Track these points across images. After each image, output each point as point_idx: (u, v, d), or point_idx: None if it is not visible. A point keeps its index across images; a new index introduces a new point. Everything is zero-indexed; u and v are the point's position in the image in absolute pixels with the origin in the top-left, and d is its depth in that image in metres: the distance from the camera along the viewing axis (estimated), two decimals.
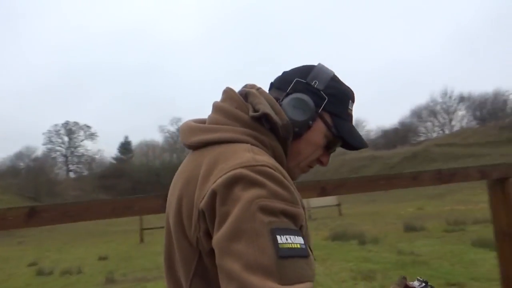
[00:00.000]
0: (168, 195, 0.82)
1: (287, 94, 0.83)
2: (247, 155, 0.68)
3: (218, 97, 0.86)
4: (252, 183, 0.63)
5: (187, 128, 0.81)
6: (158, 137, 61.50)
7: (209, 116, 0.82)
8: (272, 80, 0.90)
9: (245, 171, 0.64)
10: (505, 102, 40.00)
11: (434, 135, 44.99)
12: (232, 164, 0.66)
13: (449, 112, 44.14)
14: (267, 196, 0.62)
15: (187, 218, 0.69)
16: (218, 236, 0.61)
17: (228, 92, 0.83)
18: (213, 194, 0.64)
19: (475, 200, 14.29)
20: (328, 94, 0.83)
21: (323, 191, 1.76)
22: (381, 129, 49.96)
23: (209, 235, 0.66)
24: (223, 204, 0.62)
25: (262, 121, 0.77)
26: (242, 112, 0.78)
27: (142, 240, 13.18)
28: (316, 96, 0.83)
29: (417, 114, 45.20)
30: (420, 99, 79.00)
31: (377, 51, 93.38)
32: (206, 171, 0.69)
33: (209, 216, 0.65)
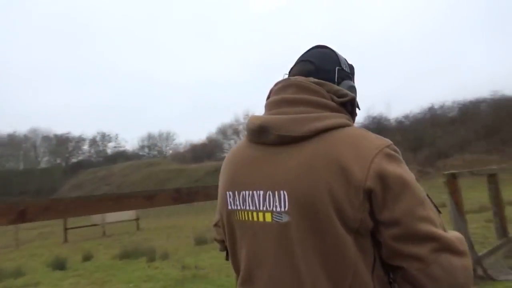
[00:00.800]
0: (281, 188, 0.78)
1: (339, 82, 0.93)
2: (374, 136, 0.80)
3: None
4: (400, 159, 0.78)
5: (289, 120, 0.81)
6: None
7: (291, 108, 0.84)
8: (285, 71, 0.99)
9: (390, 150, 0.77)
10: None
11: None
12: (376, 145, 0.77)
13: None
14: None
15: (348, 202, 0.73)
16: (402, 207, 0.73)
17: (302, 84, 0.86)
18: (377, 174, 0.73)
19: None
20: (352, 74, 0.99)
21: (21, 217, 1.37)
22: (189, 143, 51.53)
23: (372, 215, 0.75)
24: (392, 181, 0.73)
25: (347, 105, 0.88)
26: (326, 100, 0.85)
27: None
28: (350, 79, 0.98)
29: (222, 131, 48.45)
30: (226, 117, 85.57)
31: (193, 66, 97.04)
32: (351, 155, 0.75)
33: (378, 194, 0.73)
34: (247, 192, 0.83)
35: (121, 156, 47.59)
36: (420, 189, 0.76)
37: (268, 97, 0.92)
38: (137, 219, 15.53)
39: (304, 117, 0.81)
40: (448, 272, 0.72)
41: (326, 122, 0.80)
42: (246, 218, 0.84)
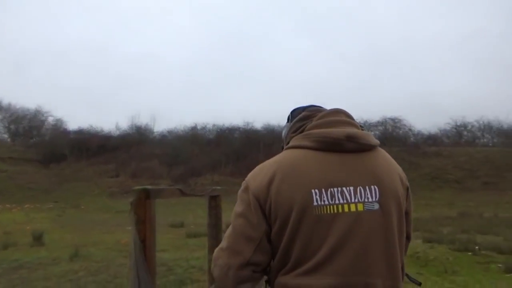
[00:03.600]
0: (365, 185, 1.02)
1: None
2: None
3: None
4: None
5: (364, 134, 1.07)
6: None
7: (351, 127, 1.09)
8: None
9: None
10: (43, 122, 39.85)
11: None
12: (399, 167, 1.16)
13: None
14: None
15: (404, 199, 1.10)
16: (411, 211, 1.16)
17: (347, 113, 1.14)
18: (407, 187, 1.13)
19: None
20: None
21: None
22: None
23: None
24: (409, 194, 1.15)
25: None
26: None
27: None
28: None
29: None
30: None
31: None
32: (396, 168, 1.11)
33: (405, 199, 1.11)
34: (336, 189, 0.99)
35: None
36: None
37: (315, 117, 1.14)
38: None
39: (369, 133, 1.10)
40: None
41: (377, 142, 1.11)
42: (336, 211, 0.98)
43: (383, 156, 1.09)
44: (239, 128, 32.02)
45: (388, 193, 1.02)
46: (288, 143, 1.15)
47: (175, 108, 60.94)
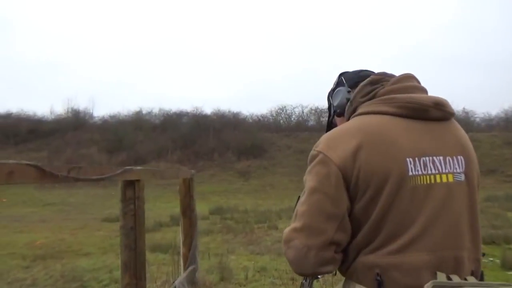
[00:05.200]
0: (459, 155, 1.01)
1: None
2: None
3: None
4: None
5: (446, 101, 1.02)
6: None
7: (426, 93, 1.07)
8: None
9: None
10: None
11: None
12: None
13: None
14: None
15: (477, 173, 1.05)
16: None
17: (417, 79, 1.09)
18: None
19: None
20: None
21: None
22: None
23: None
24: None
25: None
26: None
27: None
28: None
29: None
30: None
31: None
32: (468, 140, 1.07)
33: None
34: (428, 158, 0.95)
35: None
36: None
37: (386, 82, 1.07)
38: None
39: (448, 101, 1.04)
40: None
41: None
42: (430, 181, 0.95)
43: (460, 127, 1.07)
44: (188, 113, 30.32)
45: (472, 164, 1.02)
46: (354, 109, 1.09)
47: (117, 92, 57.03)
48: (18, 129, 27.50)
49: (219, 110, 29.79)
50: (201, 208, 12.07)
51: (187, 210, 3.79)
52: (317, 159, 0.97)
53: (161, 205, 14.81)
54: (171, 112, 30.80)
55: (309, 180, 0.98)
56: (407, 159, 0.93)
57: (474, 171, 1.00)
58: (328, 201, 0.93)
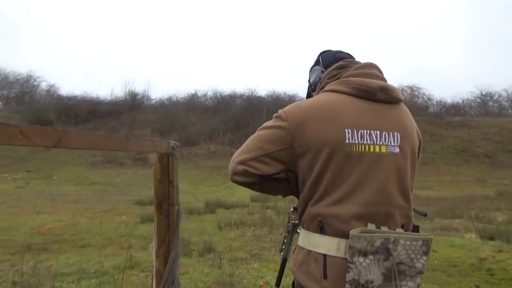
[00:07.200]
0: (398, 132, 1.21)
1: None
2: None
3: None
4: None
5: (395, 88, 1.23)
6: None
7: (383, 81, 1.25)
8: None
9: None
10: (35, 87, 37.52)
11: None
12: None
13: None
14: None
15: (417, 149, 1.29)
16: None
17: (378, 68, 1.29)
18: (420, 141, 1.31)
19: None
20: None
21: None
22: None
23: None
24: (421, 148, 1.34)
25: None
26: None
27: None
28: None
29: None
30: None
31: None
32: (415, 124, 1.29)
33: (418, 150, 1.31)
34: (365, 131, 1.15)
35: None
36: None
37: (350, 67, 1.29)
38: None
39: (397, 88, 1.24)
40: None
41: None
42: (363, 150, 1.14)
43: (406, 111, 1.27)
44: (242, 95, 29.28)
45: (407, 140, 1.21)
46: (323, 87, 1.32)
47: (174, 76, 57.83)
48: (79, 110, 28.38)
49: (274, 92, 28.52)
50: (242, 195, 10.95)
51: (164, 203, 2.35)
52: (277, 115, 1.21)
53: (203, 189, 13.92)
54: (225, 94, 30.04)
55: (265, 124, 1.22)
56: (346, 129, 1.14)
57: (408, 146, 1.21)
58: (266, 139, 1.17)
